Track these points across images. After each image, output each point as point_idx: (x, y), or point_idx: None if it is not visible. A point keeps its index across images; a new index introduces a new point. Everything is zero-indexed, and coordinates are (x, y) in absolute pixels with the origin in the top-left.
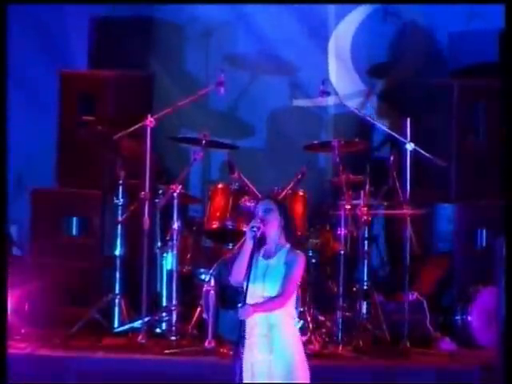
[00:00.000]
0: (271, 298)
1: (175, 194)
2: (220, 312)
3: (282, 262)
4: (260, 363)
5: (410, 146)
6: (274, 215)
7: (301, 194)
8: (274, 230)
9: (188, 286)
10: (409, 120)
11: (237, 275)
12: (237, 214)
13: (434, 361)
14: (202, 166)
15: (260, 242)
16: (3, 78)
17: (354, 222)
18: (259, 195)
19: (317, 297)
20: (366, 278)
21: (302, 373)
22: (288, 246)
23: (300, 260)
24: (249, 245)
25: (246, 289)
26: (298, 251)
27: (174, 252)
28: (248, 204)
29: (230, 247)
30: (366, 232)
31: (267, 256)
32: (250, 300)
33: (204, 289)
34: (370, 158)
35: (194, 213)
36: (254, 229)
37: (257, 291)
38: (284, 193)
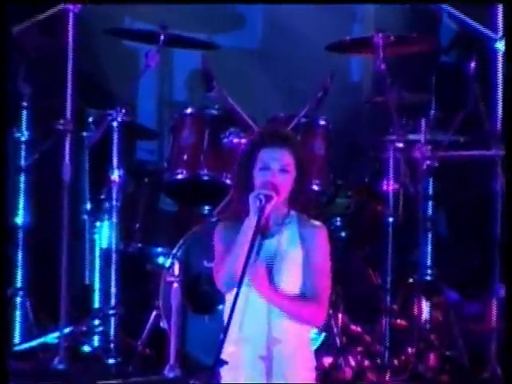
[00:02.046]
0: (303, 299)
1: (115, 124)
2: (189, 319)
3: (294, 241)
4: None
5: (501, 45)
6: (291, 174)
7: (322, 123)
8: (283, 195)
9: (136, 276)
10: (501, 7)
11: (230, 275)
12: (217, 156)
13: None
14: (159, 78)
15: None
16: (3, 78)
17: (409, 171)
18: (254, 126)
19: (349, 294)
20: (429, 263)
21: None
22: (294, 213)
23: (322, 235)
24: (251, 222)
25: (239, 288)
26: (315, 221)
27: (114, 220)
28: (235, 140)
29: (206, 212)
30: (431, 186)
31: (266, 233)
32: (244, 306)
33: (163, 280)
34: (436, 66)
35: (145, 155)
36: (262, 198)
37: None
38: (294, 123)
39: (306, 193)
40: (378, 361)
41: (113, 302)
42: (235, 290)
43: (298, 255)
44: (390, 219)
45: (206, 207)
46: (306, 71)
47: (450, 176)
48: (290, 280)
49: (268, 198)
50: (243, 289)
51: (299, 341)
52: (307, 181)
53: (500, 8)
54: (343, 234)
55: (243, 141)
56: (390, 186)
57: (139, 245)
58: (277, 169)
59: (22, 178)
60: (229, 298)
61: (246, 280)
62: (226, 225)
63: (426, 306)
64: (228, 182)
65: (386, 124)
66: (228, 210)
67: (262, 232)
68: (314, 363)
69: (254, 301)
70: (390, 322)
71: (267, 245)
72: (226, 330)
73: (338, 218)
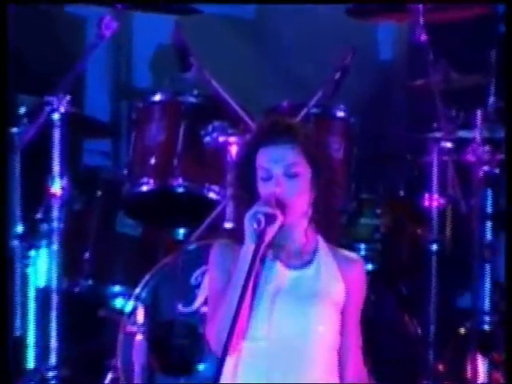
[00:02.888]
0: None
1: (56, 116)
2: (157, 383)
3: (335, 277)
4: None
5: None
6: (303, 179)
7: (339, 115)
8: (296, 211)
9: (86, 326)
10: None
11: (223, 327)
12: (196, 160)
13: None
14: (113, 58)
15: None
16: (3, 78)
17: (460, 180)
18: (247, 119)
19: (378, 350)
20: (487, 307)
21: None
22: (321, 239)
23: (362, 273)
24: (247, 253)
25: (226, 342)
26: (351, 253)
27: (54, 247)
28: (221, 138)
29: (181, 237)
30: (489, 201)
31: (290, 261)
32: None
33: (122, 331)
34: (497, 37)
35: (97, 159)
36: (261, 218)
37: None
38: (302, 115)
39: (331, 206)
40: None
41: (53, 360)
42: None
43: (340, 295)
44: (434, 246)
45: (181, 230)
46: (315, 47)
47: None
48: (330, 328)
49: (270, 219)
50: (246, 344)
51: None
52: (330, 186)
53: None
54: (370, 266)
55: (232, 139)
56: (433, 200)
57: (89, 282)
58: (280, 173)
59: None
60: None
61: (249, 333)
62: (229, 245)
63: (482, 365)
64: (211, 195)
65: (429, 117)
66: (221, 233)
67: (290, 260)
68: None
69: (251, 354)
70: None
71: (295, 274)
72: None
73: (363, 245)
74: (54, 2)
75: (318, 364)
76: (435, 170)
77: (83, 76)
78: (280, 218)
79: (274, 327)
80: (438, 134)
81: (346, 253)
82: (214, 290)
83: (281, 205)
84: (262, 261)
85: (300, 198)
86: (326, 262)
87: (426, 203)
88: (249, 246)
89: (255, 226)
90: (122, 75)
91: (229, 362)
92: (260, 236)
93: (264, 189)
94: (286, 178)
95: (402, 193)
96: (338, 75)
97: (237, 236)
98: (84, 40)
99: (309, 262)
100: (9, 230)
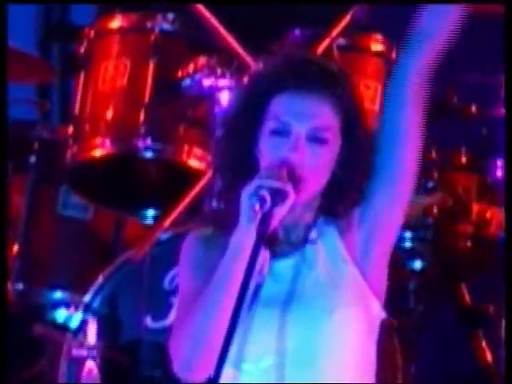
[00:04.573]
0: None
1: None
2: None
3: (339, 255)
4: None
5: None
6: (331, 147)
7: (377, 47)
8: (313, 189)
9: (15, 346)
10: None
11: (198, 341)
12: (171, 114)
13: None
14: None
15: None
16: (3, 78)
17: None
18: (245, 55)
19: (433, 371)
20: None
21: None
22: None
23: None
24: (243, 238)
25: (219, 366)
26: None
27: None
28: (207, 82)
29: (150, 222)
30: None
31: (276, 250)
32: None
33: (65, 355)
34: None
35: (21, 113)
36: (266, 196)
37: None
38: (325, 45)
39: (358, 189)
40: None
41: None
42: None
43: (354, 275)
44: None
45: (150, 212)
46: None
47: None
48: (351, 334)
49: (278, 197)
50: (230, 372)
51: None
52: (364, 166)
53: None
54: (418, 264)
55: (222, 82)
56: (508, 170)
57: (20, 286)
58: (303, 133)
59: None
60: None
61: (234, 354)
62: (205, 236)
63: None
64: (192, 162)
65: (501, 53)
66: (203, 216)
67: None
68: None
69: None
70: None
71: (282, 268)
72: None
73: (408, 234)
74: (54, 2)
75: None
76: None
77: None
78: (292, 198)
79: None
80: None
81: None
82: (186, 293)
83: (294, 179)
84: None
85: (322, 173)
86: (326, 241)
87: (498, 174)
88: (244, 233)
89: (257, 206)
90: (52, 8)
91: None
92: (265, 219)
93: (274, 151)
94: (309, 143)
95: (463, 159)
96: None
97: (225, 222)
98: None
99: (303, 244)
100: None
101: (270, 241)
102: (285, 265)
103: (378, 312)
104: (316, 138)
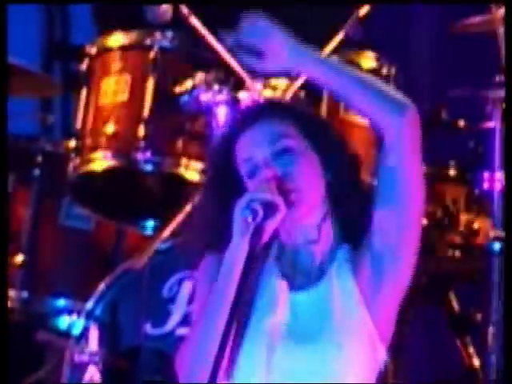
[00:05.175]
0: None
1: None
2: None
3: (351, 293)
4: None
5: None
6: (301, 158)
7: (369, 64)
8: (308, 202)
9: (19, 352)
10: None
11: (196, 360)
12: (170, 128)
13: None
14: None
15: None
16: (3, 79)
17: None
18: (241, 71)
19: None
20: None
21: None
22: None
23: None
24: (236, 254)
25: (214, 371)
26: None
27: None
28: (204, 97)
29: (150, 232)
30: None
31: (296, 278)
32: None
33: (68, 361)
34: None
35: (23, 127)
36: (258, 209)
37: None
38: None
39: (354, 192)
40: None
41: None
42: None
43: (364, 317)
44: (497, 245)
45: (150, 222)
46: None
47: None
48: (356, 371)
49: (271, 209)
50: None
51: None
52: (350, 166)
53: None
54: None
55: (219, 97)
56: (495, 181)
57: (24, 294)
58: (267, 155)
59: None
60: None
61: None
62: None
63: None
64: (190, 174)
65: (488, 69)
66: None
67: (287, 276)
68: None
69: None
70: None
71: (303, 302)
72: None
73: None
74: (54, 2)
75: None
76: (498, 140)
77: (9, 30)
78: (283, 209)
79: (275, 375)
80: (501, 92)
81: None
82: (195, 310)
83: (284, 190)
84: (259, 274)
85: (308, 180)
86: (341, 274)
87: (486, 185)
88: (238, 246)
89: (250, 218)
90: (55, 28)
91: None
92: (256, 232)
93: (255, 182)
94: (276, 158)
95: (452, 172)
96: (365, 10)
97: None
98: None
99: (319, 277)
100: None
101: (286, 273)
102: (302, 298)
103: (383, 355)
104: (278, 151)
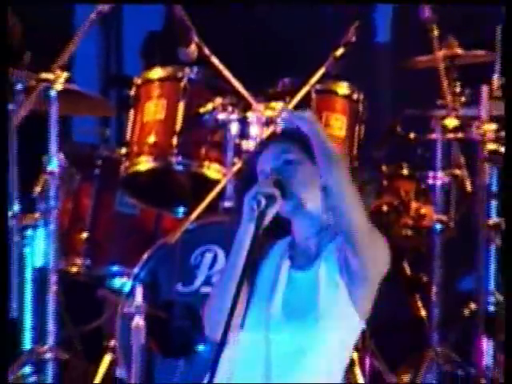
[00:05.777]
0: None
1: (53, 93)
2: (157, 365)
3: (332, 281)
4: None
5: None
6: (302, 168)
7: (343, 91)
8: (313, 203)
9: (83, 306)
10: None
11: (215, 316)
12: (196, 138)
13: None
14: (103, 48)
15: (277, 228)
16: (4, 80)
17: (465, 158)
18: (249, 97)
19: (381, 330)
20: (492, 287)
21: None
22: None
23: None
24: (245, 235)
25: (225, 335)
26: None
27: (52, 226)
28: (222, 116)
29: (181, 216)
30: (495, 180)
31: (304, 262)
32: (235, 355)
33: (120, 312)
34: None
35: (88, 138)
36: (261, 199)
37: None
38: (305, 90)
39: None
40: None
41: (50, 341)
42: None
43: (344, 296)
44: (439, 226)
45: (181, 209)
46: (316, 23)
47: None
48: (329, 351)
49: (271, 200)
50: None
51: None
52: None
53: None
54: None
55: (232, 117)
56: (437, 178)
57: (87, 262)
58: (276, 166)
59: None
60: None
61: (237, 323)
62: None
63: (488, 347)
64: (211, 173)
65: (433, 94)
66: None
67: (292, 259)
68: None
69: (247, 345)
70: (440, 369)
71: (303, 280)
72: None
73: None
74: (53, 2)
75: (316, 374)
76: (439, 147)
77: (76, 63)
78: (280, 200)
79: (271, 331)
80: (442, 112)
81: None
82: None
83: (281, 186)
84: (270, 253)
85: (304, 184)
86: (329, 260)
87: (431, 181)
88: (246, 227)
89: (255, 206)
90: (111, 64)
91: (225, 352)
92: (260, 217)
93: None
94: (282, 166)
95: (405, 171)
96: (340, 51)
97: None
98: (75, 25)
99: (312, 262)
100: (5, 210)
101: (291, 255)
102: (299, 276)
103: (359, 326)
104: (283, 162)
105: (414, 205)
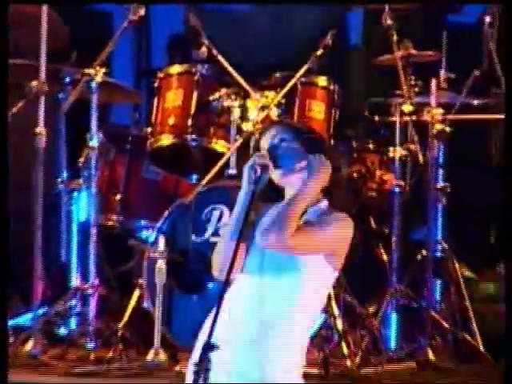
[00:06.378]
0: None
1: (94, 84)
2: (175, 299)
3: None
4: None
5: None
6: (288, 144)
7: (322, 83)
8: (297, 179)
9: (117, 252)
10: None
11: (221, 260)
12: (206, 120)
13: None
14: (135, 46)
15: (273, 193)
16: (4, 79)
17: (419, 136)
18: (248, 88)
19: (352, 272)
20: (440, 238)
21: None
22: (324, 203)
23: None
24: (244, 197)
25: (228, 275)
26: (343, 215)
27: (92, 190)
28: (227, 103)
29: (194, 181)
30: (442, 153)
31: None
32: (235, 290)
33: (146, 257)
34: (448, 21)
35: (122, 120)
36: (257, 168)
37: (257, 288)
38: (292, 83)
39: (341, 184)
40: (385, 347)
41: (91, 280)
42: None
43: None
44: (397, 189)
45: (194, 176)
46: (301, 29)
47: (464, 142)
48: (289, 284)
49: (264, 169)
50: (242, 276)
51: (292, 327)
52: (339, 171)
53: None
54: None
55: (235, 103)
56: (397, 151)
57: (120, 218)
58: (271, 143)
59: None
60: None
61: (238, 267)
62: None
63: (436, 286)
64: (218, 147)
65: (393, 86)
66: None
67: None
68: (302, 359)
69: (245, 284)
70: (398, 303)
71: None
72: (216, 314)
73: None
74: (54, 2)
75: (300, 310)
76: (398, 128)
77: (113, 59)
78: (271, 169)
79: (264, 274)
80: (400, 99)
81: (337, 214)
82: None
83: (273, 158)
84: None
85: (292, 159)
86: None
87: (391, 154)
88: (245, 190)
89: (252, 174)
90: (142, 60)
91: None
92: (256, 183)
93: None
94: (277, 143)
95: (371, 146)
96: (320, 52)
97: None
98: (112, 28)
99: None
100: (56, 177)
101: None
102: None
103: (334, 273)
104: (276, 143)
105: (378, 173)
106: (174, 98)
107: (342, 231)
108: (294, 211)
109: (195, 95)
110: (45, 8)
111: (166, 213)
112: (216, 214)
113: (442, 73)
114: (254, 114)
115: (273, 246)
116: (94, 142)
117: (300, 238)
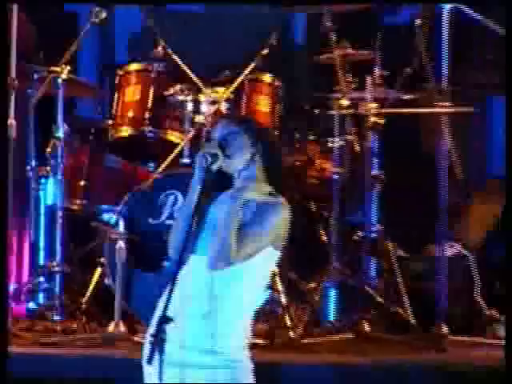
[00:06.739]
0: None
1: (60, 81)
2: (134, 276)
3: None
4: (194, 365)
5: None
6: (241, 140)
7: (267, 80)
8: (239, 166)
9: (81, 233)
10: None
11: (175, 242)
12: (162, 113)
13: (484, 358)
14: (99, 43)
15: (224, 181)
16: (4, 79)
17: (355, 128)
18: (200, 84)
19: (295, 252)
20: (374, 221)
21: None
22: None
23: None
24: (197, 182)
25: (181, 256)
26: (279, 198)
27: (59, 177)
28: (181, 98)
29: (151, 169)
30: (376, 143)
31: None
32: (188, 267)
33: (108, 238)
34: (382, 22)
35: (85, 113)
36: (208, 157)
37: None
38: (240, 79)
39: (277, 172)
40: (324, 319)
41: (58, 259)
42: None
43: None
44: (336, 176)
45: (151, 164)
46: (252, 28)
47: (396, 133)
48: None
49: (214, 157)
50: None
51: (240, 301)
52: (276, 160)
53: None
54: None
55: (189, 98)
56: (336, 142)
57: (84, 202)
58: (221, 134)
59: None
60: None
61: (190, 247)
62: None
63: (371, 264)
64: (173, 138)
65: (332, 82)
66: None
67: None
68: (247, 332)
69: (196, 263)
70: (336, 279)
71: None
72: (170, 290)
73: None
74: (53, 2)
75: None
76: (336, 120)
77: (79, 55)
78: (221, 158)
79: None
80: (338, 94)
81: (272, 198)
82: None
83: (222, 149)
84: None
85: (239, 149)
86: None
87: (330, 144)
88: (197, 177)
89: (203, 162)
90: (106, 56)
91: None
92: (206, 171)
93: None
94: (226, 135)
95: (312, 137)
96: (266, 51)
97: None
98: (77, 28)
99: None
100: (25, 164)
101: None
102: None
103: (276, 252)
104: (225, 134)
105: (318, 161)
106: (132, 93)
107: (279, 218)
108: (233, 232)
109: (152, 91)
110: (15, 7)
111: (126, 198)
112: (171, 198)
113: (377, 70)
114: (205, 107)
115: (223, 268)
116: (60, 133)
117: (244, 247)
